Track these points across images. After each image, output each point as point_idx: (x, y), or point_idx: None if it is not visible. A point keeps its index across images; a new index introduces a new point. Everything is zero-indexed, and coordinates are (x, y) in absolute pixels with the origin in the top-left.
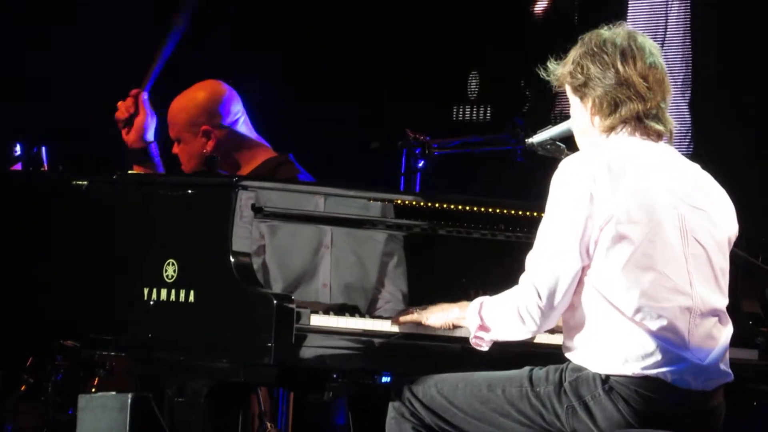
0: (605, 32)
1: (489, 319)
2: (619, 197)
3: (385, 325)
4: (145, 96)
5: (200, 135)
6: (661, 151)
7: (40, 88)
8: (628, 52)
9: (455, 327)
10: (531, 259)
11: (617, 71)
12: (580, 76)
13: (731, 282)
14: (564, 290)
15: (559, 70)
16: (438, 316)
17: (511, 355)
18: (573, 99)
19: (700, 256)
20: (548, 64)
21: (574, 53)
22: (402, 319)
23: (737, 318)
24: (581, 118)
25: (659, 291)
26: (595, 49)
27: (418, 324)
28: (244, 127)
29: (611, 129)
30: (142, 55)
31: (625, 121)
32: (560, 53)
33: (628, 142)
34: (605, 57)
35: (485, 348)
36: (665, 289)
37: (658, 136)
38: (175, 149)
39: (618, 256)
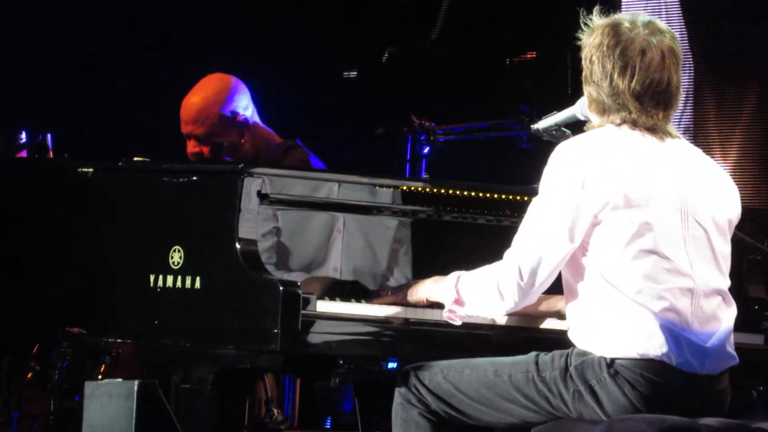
0: (625, 29)
1: (465, 293)
2: (616, 181)
3: (391, 311)
4: None
5: (235, 125)
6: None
7: (45, 76)
8: (630, 64)
9: (429, 302)
10: (518, 237)
11: (611, 82)
12: (588, 65)
13: (737, 267)
14: (547, 272)
15: (584, 39)
16: (415, 292)
17: (517, 340)
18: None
19: (700, 237)
20: (593, 15)
21: (595, 36)
22: (378, 301)
23: (743, 303)
24: (586, 94)
25: (660, 273)
26: (605, 49)
27: (395, 303)
28: (255, 117)
29: (602, 125)
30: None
31: (618, 124)
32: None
33: (621, 129)
34: (607, 63)
35: (458, 323)
36: (665, 271)
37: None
38: (192, 147)
39: (618, 239)
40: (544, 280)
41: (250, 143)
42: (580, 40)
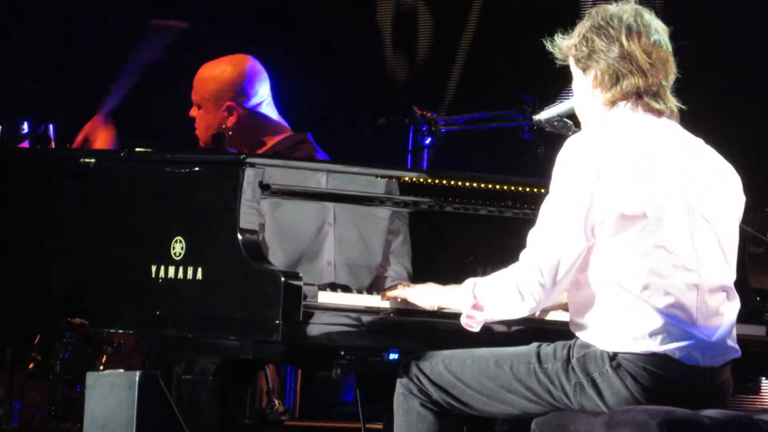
0: (612, 7)
1: (483, 297)
2: (626, 175)
3: (392, 302)
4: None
5: (223, 109)
6: (665, 128)
7: (47, 65)
8: (634, 28)
9: (441, 309)
10: (534, 237)
11: (621, 45)
12: (584, 48)
13: (739, 258)
14: (566, 269)
15: (564, 43)
16: (425, 297)
17: (518, 332)
18: (576, 72)
19: (707, 232)
20: (555, 37)
21: (581, 27)
22: (389, 294)
23: (745, 294)
24: (583, 90)
25: (666, 268)
26: (601, 23)
27: (405, 301)
28: (267, 108)
29: (612, 103)
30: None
31: (625, 96)
32: (568, 28)
33: (630, 116)
34: (611, 31)
35: (476, 329)
36: (672, 266)
37: (658, 113)
38: (193, 112)
39: (625, 233)
40: (565, 277)
41: (253, 133)
42: (557, 48)
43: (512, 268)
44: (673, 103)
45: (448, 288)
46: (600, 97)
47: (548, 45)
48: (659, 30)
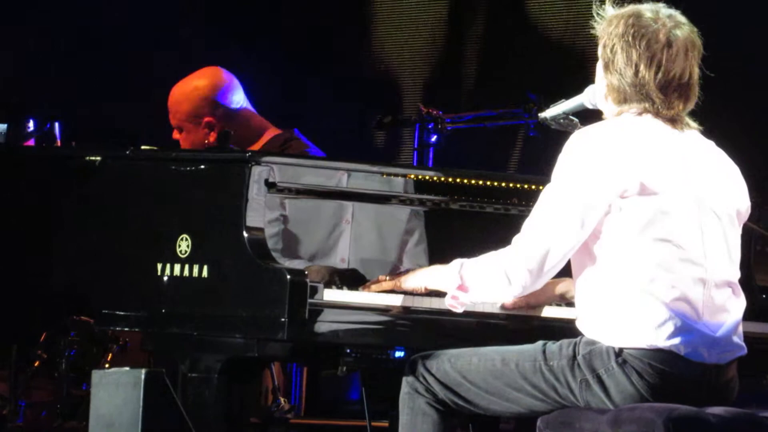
0: (649, 20)
1: (470, 278)
2: (634, 169)
3: (398, 300)
4: None
5: (203, 126)
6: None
7: (56, 64)
8: (657, 56)
9: (428, 290)
10: (528, 223)
11: (637, 73)
12: (609, 53)
13: (745, 256)
14: (556, 259)
15: (602, 26)
16: (411, 279)
17: (525, 330)
18: (600, 61)
19: (714, 228)
20: (605, 8)
21: (616, 24)
22: (375, 287)
23: (751, 292)
24: (601, 83)
25: (673, 262)
26: (630, 39)
27: (393, 290)
28: (246, 113)
29: (620, 113)
30: (157, 29)
31: (634, 110)
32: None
33: (641, 118)
34: (633, 53)
35: (459, 310)
36: (679, 260)
37: (674, 127)
38: (176, 135)
39: (632, 227)
40: (553, 267)
41: (239, 140)
42: (593, 28)
43: (502, 252)
44: (694, 124)
45: (433, 267)
46: (611, 105)
47: (595, 11)
48: (690, 57)
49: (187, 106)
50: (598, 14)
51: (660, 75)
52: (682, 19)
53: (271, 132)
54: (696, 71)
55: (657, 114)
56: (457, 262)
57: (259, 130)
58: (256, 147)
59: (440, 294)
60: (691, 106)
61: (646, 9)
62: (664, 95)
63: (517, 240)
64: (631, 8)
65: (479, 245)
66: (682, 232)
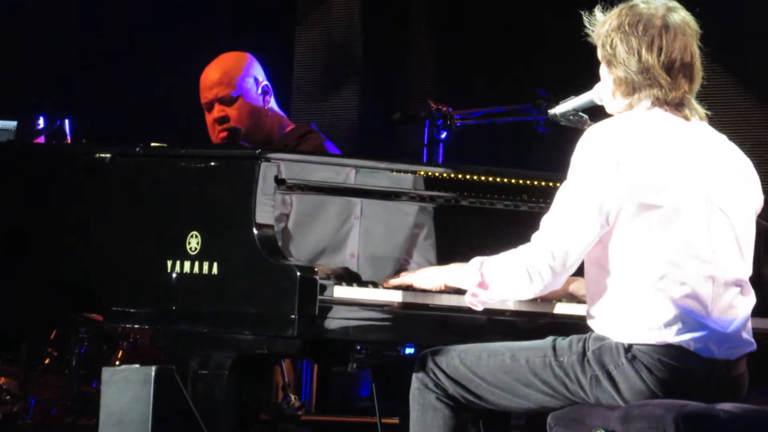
0: (642, 8)
1: (490, 276)
2: (646, 165)
3: (408, 297)
4: None
5: (260, 90)
6: (687, 123)
7: (65, 62)
8: (656, 39)
9: (448, 288)
10: (548, 220)
11: (640, 58)
12: (609, 49)
13: (754, 252)
14: (578, 254)
15: (596, 30)
16: (430, 278)
17: (534, 325)
18: (602, 62)
19: (724, 225)
20: (595, 13)
21: (610, 22)
22: (392, 282)
23: (760, 288)
24: (606, 83)
25: (683, 259)
26: (627, 28)
27: (409, 287)
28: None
29: (631, 107)
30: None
31: (644, 104)
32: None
33: (652, 113)
34: (633, 40)
35: (479, 308)
36: (689, 257)
37: (684, 118)
38: (218, 113)
39: (643, 223)
40: (573, 263)
41: (264, 127)
42: (588, 36)
43: (522, 249)
44: (700, 110)
45: (452, 266)
46: (620, 100)
47: (586, 20)
48: (688, 33)
49: (241, 71)
50: (589, 22)
51: (663, 57)
52: (674, 4)
53: (290, 125)
54: (696, 51)
55: (666, 102)
56: (477, 260)
57: (281, 120)
58: (276, 139)
59: (450, 291)
60: (696, 86)
61: (638, 1)
62: (670, 77)
63: (538, 237)
64: (622, 5)
65: (488, 242)
66: (691, 229)
